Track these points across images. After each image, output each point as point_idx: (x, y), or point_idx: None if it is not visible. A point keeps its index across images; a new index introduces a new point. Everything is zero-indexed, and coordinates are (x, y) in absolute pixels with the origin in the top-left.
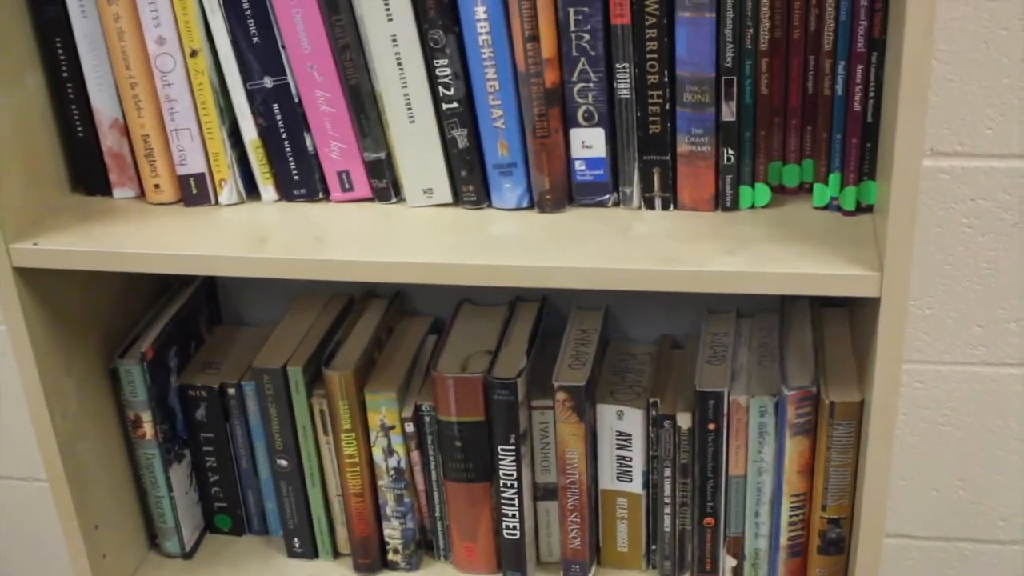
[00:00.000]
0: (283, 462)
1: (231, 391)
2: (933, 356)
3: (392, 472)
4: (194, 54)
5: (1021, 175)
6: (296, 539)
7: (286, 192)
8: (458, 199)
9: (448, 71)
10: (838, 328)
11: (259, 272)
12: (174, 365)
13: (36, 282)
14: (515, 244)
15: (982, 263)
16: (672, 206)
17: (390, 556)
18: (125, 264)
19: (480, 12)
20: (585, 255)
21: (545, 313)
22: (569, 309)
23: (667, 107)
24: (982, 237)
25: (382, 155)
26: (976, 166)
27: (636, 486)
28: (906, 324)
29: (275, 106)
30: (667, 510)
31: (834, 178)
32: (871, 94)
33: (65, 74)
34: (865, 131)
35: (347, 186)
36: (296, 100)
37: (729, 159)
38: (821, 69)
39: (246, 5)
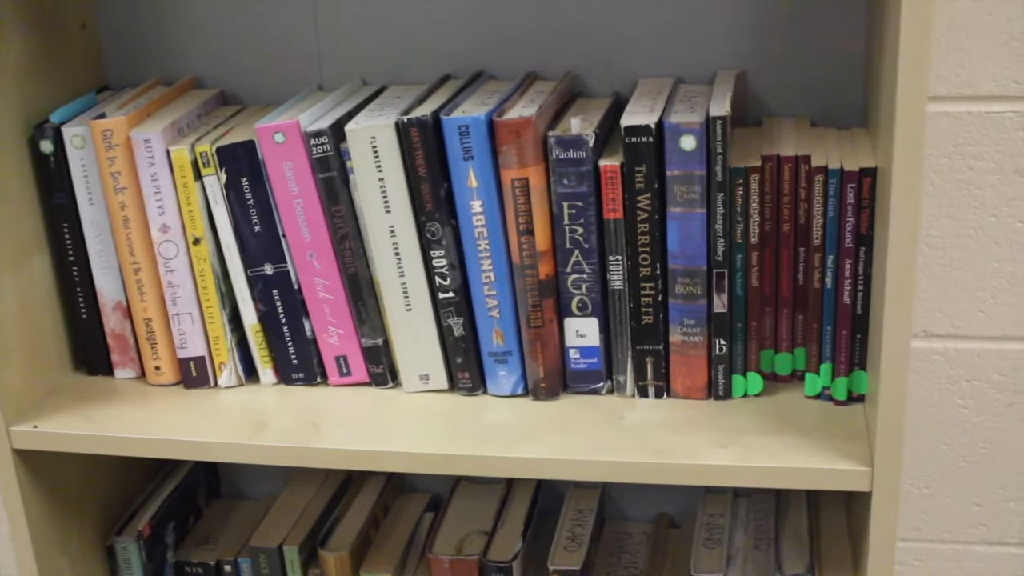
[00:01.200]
0: None
1: (227, 568)
2: (932, 535)
3: None
4: (197, 242)
5: (1014, 356)
6: None
7: (284, 376)
8: (454, 385)
9: (444, 262)
10: (834, 510)
11: (257, 459)
12: (171, 540)
13: (35, 463)
14: (509, 433)
15: (978, 443)
16: (665, 394)
17: None
18: (124, 449)
19: (476, 206)
20: (578, 446)
21: (542, 490)
22: (566, 487)
23: (659, 298)
24: (977, 417)
25: (379, 341)
26: (970, 347)
27: None
28: (898, 514)
29: (275, 292)
30: None
31: (825, 368)
32: (860, 287)
33: (71, 257)
34: (855, 323)
35: (345, 371)
36: (296, 287)
37: (721, 349)
38: (811, 262)
39: (248, 195)
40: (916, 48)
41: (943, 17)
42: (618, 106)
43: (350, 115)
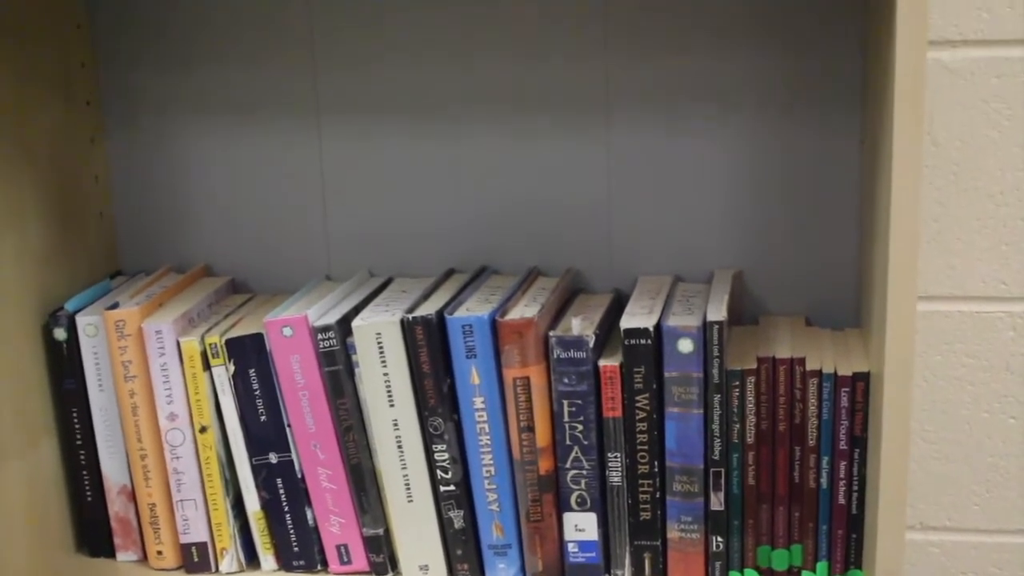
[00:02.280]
0: None
1: None
2: None
3: None
4: (203, 430)
5: (1010, 550)
6: None
7: (286, 562)
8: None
9: (446, 455)
10: None
11: None
12: None
13: None
14: None
15: None
16: None
17: None
18: None
19: (478, 403)
20: None
21: None
22: None
23: (657, 495)
24: None
25: (380, 531)
26: (965, 540)
27: None
28: None
29: (279, 480)
30: None
31: (822, 567)
32: (855, 488)
33: (79, 441)
34: (850, 522)
35: (345, 559)
36: (299, 475)
37: (718, 546)
38: (806, 462)
39: (256, 385)
40: (906, 250)
41: (933, 221)
42: (618, 303)
43: (356, 309)
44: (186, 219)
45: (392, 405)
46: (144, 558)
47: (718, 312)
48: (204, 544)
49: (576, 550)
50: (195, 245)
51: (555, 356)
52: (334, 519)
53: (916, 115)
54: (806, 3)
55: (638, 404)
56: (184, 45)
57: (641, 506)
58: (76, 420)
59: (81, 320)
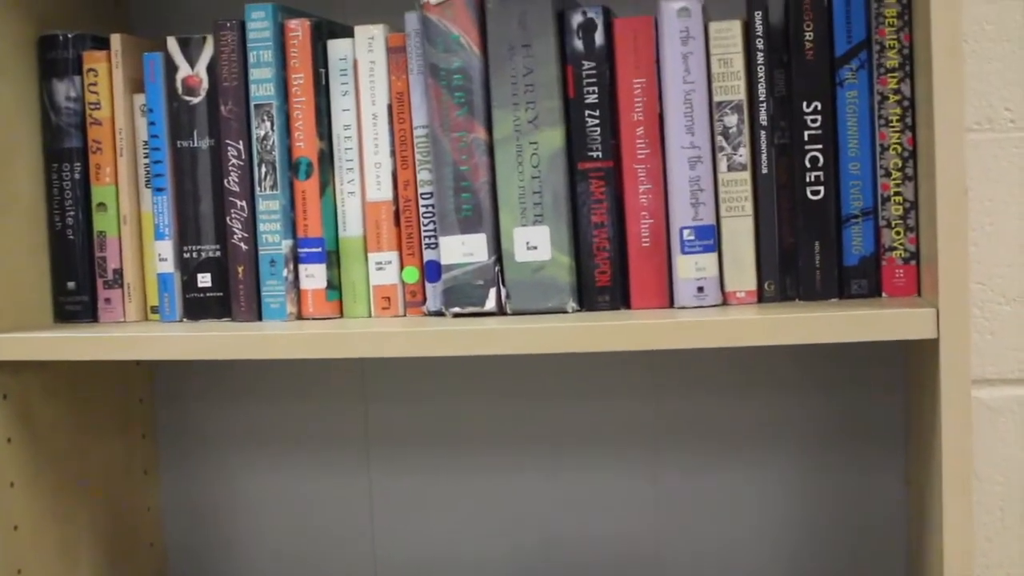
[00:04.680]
0: None
1: None
2: None
3: None
4: None
5: None
6: None
7: None
8: None
9: None
10: None
11: None
12: None
13: None
14: None
15: None
16: None
17: None
18: None
19: None
20: None
21: None
22: None
23: None
24: None
25: None
26: None
27: None
28: None
29: None
30: None
31: None
32: None
33: None
34: None
35: None
36: None
37: None
38: None
39: None
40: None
41: (982, 556)
42: None
43: None
44: (236, 549)
45: None
46: None
47: None
48: None
49: None
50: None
51: None
52: None
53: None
54: (849, 349)
55: None
56: (238, 380)
57: None
58: None
59: None
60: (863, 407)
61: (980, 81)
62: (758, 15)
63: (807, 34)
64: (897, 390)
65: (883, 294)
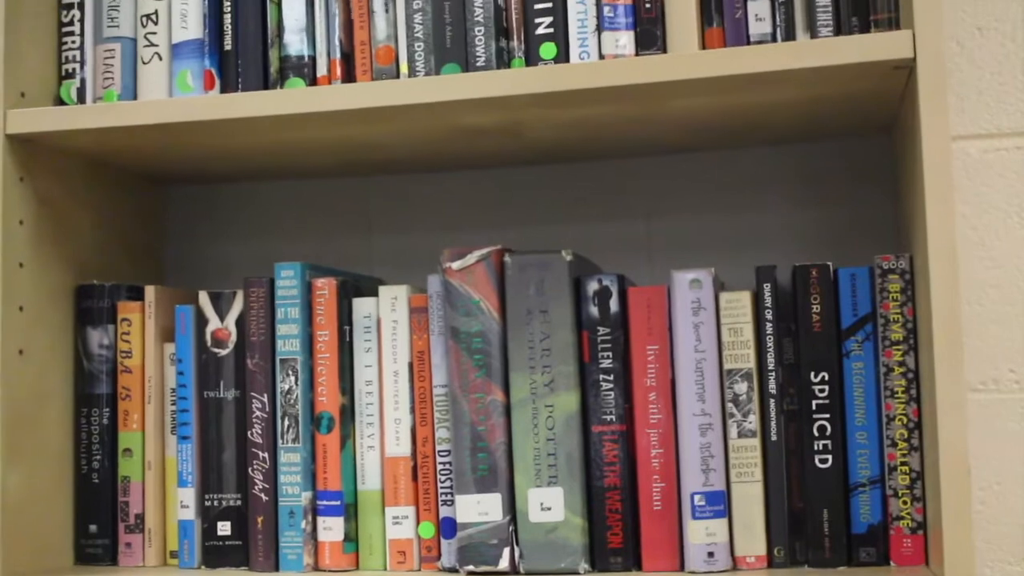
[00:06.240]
0: None
1: None
2: None
3: None
4: None
5: None
6: None
7: None
8: None
9: None
10: None
11: None
12: None
13: None
14: None
15: None
16: None
17: None
18: None
19: None
20: None
21: None
22: None
23: None
24: None
25: None
26: None
27: None
28: None
29: None
30: None
31: None
32: None
33: None
34: None
35: None
36: None
37: None
38: None
39: None
40: None
41: None
42: None
43: None
44: None
45: None
46: None
47: None
48: None
49: None
50: None
51: None
52: None
53: None
54: None
55: None
56: None
57: None
58: None
59: None
60: None
61: (984, 341)
62: (767, 287)
63: (814, 306)
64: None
65: (891, 563)
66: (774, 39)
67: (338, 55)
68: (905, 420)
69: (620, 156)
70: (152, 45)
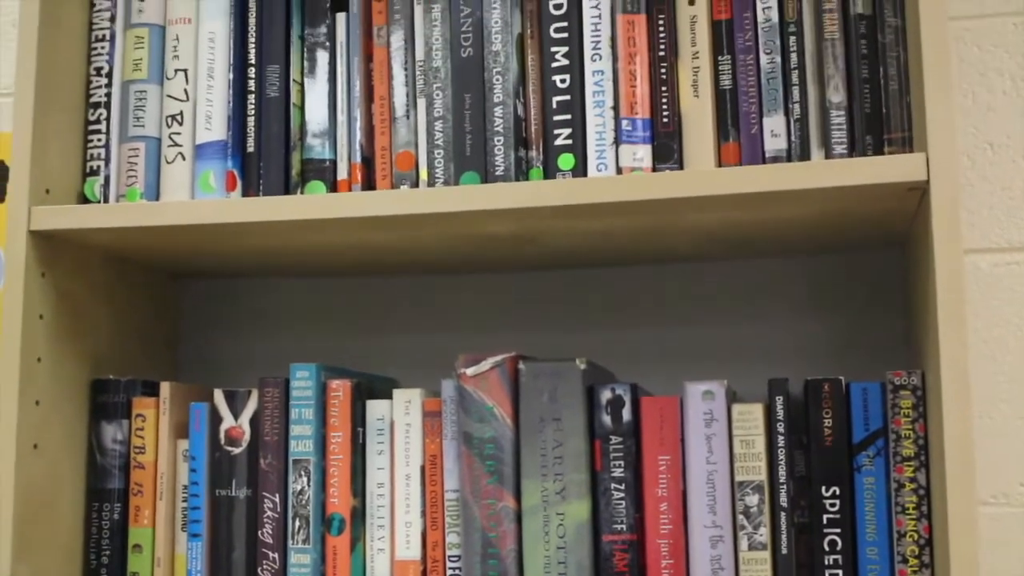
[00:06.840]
0: None
1: None
2: None
3: None
4: None
5: None
6: None
7: None
8: None
9: None
10: None
11: None
12: None
13: None
14: None
15: None
16: None
17: None
18: None
19: None
20: None
21: None
22: None
23: None
24: None
25: None
26: None
27: None
28: None
29: None
30: None
31: None
32: None
33: None
34: None
35: None
36: None
37: None
38: None
39: None
40: None
41: None
42: None
43: None
44: None
45: None
46: None
47: None
48: None
49: None
50: None
51: None
52: None
53: None
54: None
55: None
56: None
57: None
58: None
59: None
60: None
61: (994, 455)
62: (779, 399)
63: (826, 420)
64: None
65: None
66: (789, 155)
67: (359, 159)
68: (916, 536)
69: (634, 263)
70: (176, 145)
